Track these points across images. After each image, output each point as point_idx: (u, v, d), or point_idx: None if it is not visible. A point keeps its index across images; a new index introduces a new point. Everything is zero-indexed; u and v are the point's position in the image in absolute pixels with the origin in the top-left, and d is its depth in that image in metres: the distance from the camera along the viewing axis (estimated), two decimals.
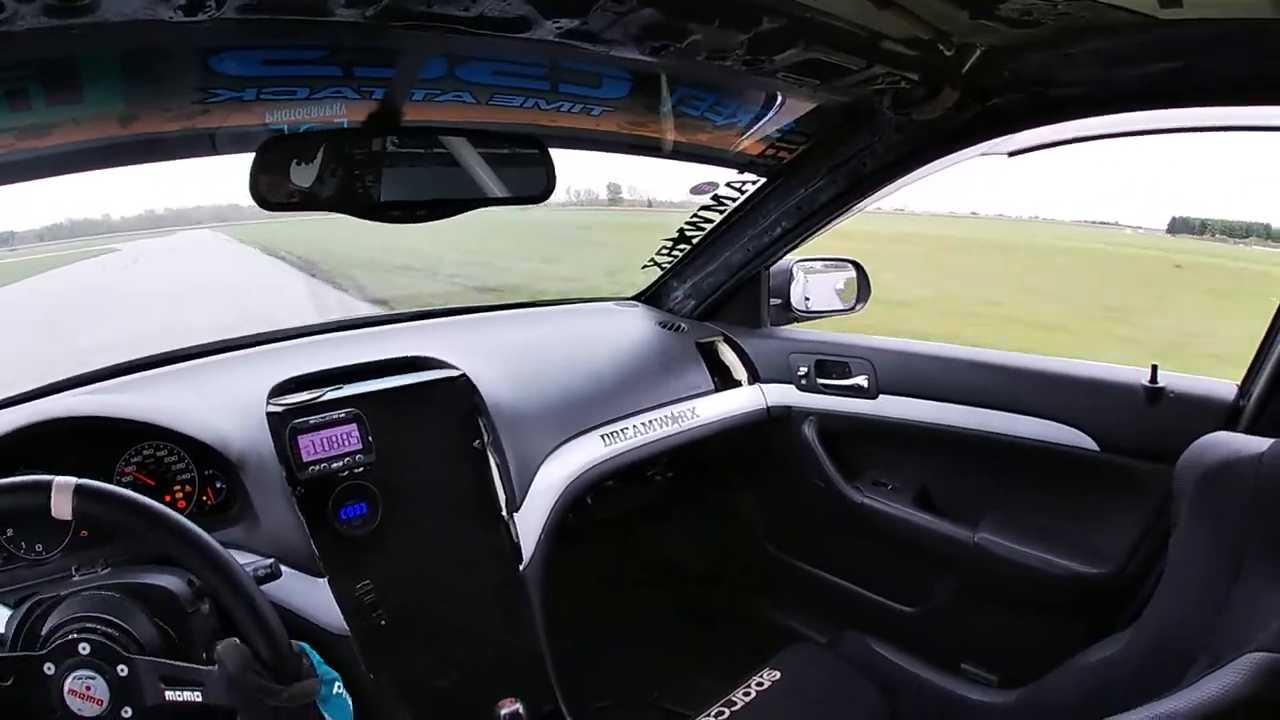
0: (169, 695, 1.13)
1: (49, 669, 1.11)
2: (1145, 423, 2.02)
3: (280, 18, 1.22)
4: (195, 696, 1.13)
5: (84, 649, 1.12)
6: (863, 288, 2.90)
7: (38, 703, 1.10)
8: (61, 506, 1.11)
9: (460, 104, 1.80)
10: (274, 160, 1.48)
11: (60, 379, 1.97)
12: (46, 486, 1.12)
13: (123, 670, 1.12)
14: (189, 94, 1.59)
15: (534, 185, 1.72)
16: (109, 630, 1.16)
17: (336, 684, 1.33)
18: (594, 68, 1.82)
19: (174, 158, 1.79)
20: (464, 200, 1.61)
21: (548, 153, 1.71)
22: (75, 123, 1.59)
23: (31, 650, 1.14)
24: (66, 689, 1.10)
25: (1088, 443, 2.12)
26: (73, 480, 1.12)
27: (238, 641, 1.15)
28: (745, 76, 1.72)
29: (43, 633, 1.17)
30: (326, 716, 1.23)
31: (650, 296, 2.99)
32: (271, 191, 1.47)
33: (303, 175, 1.49)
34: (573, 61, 1.76)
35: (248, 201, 1.47)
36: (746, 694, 2.17)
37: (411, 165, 1.61)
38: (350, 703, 1.35)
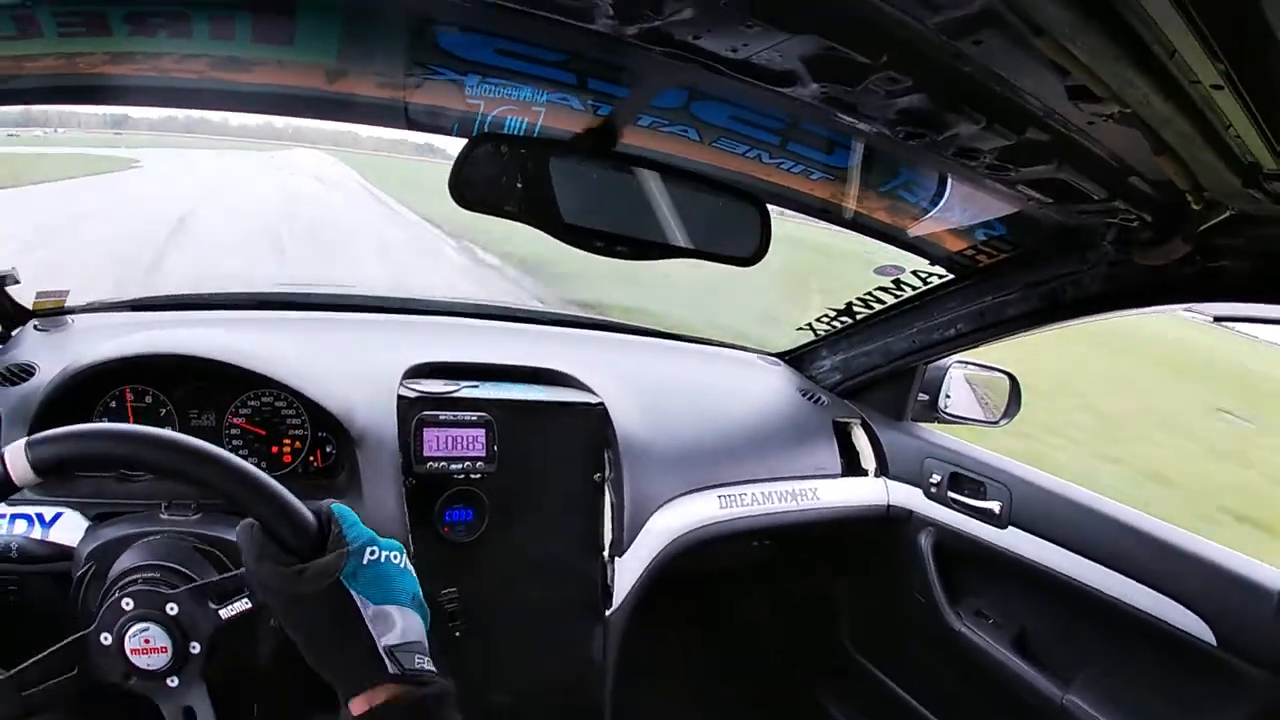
0: (224, 614, 1.09)
1: (105, 639, 1.07)
2: (1274, 631, 1.86)
3: (535, 11, 1.16)
4: (245, 604, 1.09)
5: (127, 604, 1.09)
6: (1013, 402, 2.77)
7: (114, 675, 1.07)
8: (21, 471, 1.01)
9: (683, 139, 1.72)
10: (481, 158, 1.40)
11: (197, 293, 1.97)
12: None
13: (172, 609, 1.09)
14: (406, 65, 1.54)
15: (746, 247, 1.61)
16: (153, 575, 1.17)
17: (377, 548, 1.10)
18: (832, 134, 1.73)
19: (363, 122, 1.75)
20: (669, 246, 1.51)
21: (768, 216, 1.61)
22: (279, 65, 1.54)
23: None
24: (129, 650, 1.07)
25: (1206, 634, 1.96)
26: (19, 443, 1.03)
27: (253, 522, 1.07)
28: (979, 178, 1.63)
29: (108, 575, 1.19)
30: (355, 595, 1.04)
31: (795, 358, 2.91)
32: (473, 190, 1.40)
33: (507, 180, 1.42)
34: (813, 124, 1.68)
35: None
36: None
37: (620, 196, 1.52)
38: (399, 569, 1.13)
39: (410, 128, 1.70)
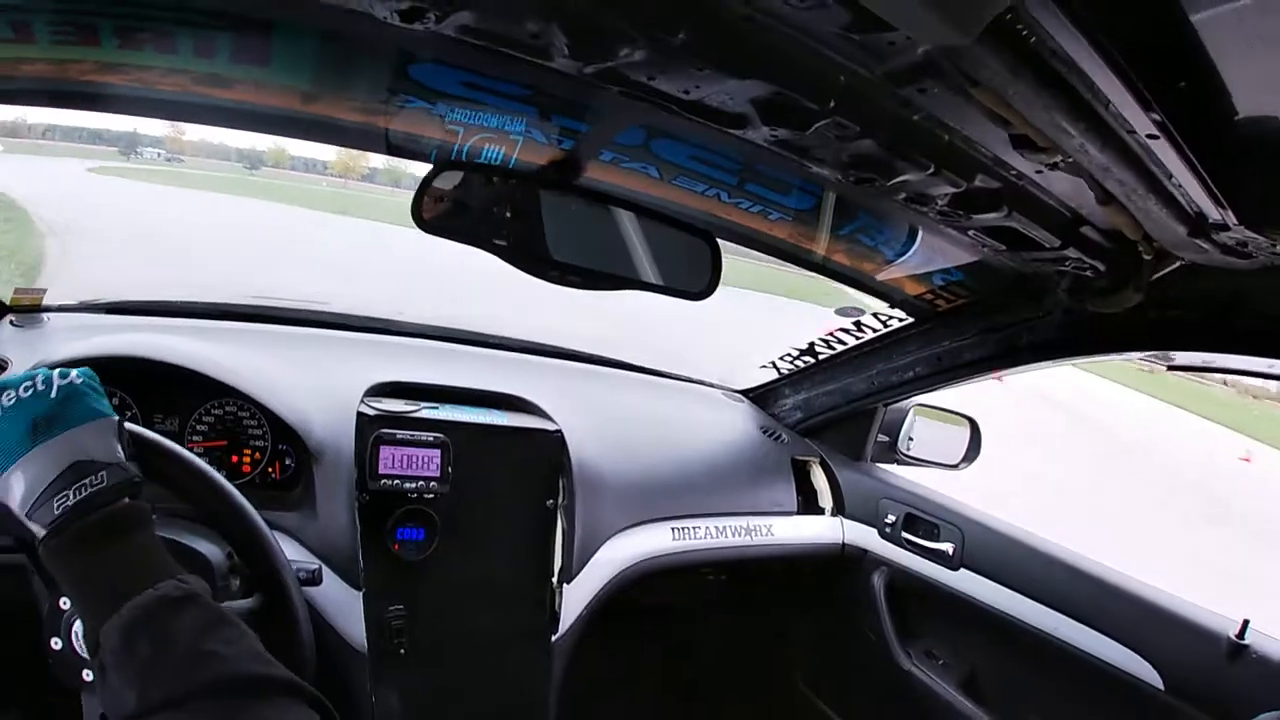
0: None
1: (56, 644, 1.08)
2: (1221, 677, 1.88)
3: (497, 48, 1.18)
4: None
5: (64, 604, 1.08)
6: (972, 447, 2.79)
7: (73, 679, 1.09)
8: None
9: (644, 175, 1.75)
10: (444, 184, 1.45)
11: (171, 300, 1.99)
12: None
13: None
14: (378, 91, 1.57)
15: (697, 282, 1.67)
16: None
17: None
18: (789, 176, 1.77)
19: (344, 145, 1.79)
20: (621, 278, 1.56)
21: (719, 254, 1.66)
22: (256, 85, 1.57)
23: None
24: (80, 651, 1.06)
25: (1155, 679, 1.98)
26: None
27: None
28: (935, 225, 1.67)
29: None
30: None
31: (759, 395, 2.93)
32: (434, 214, 1.44)
33: (469, 206, 1.47)
34: (769, 166, 1.71)
35: None
36: None
37: (578, 227, 1.56)
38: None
39: (390, 153, 1.73)
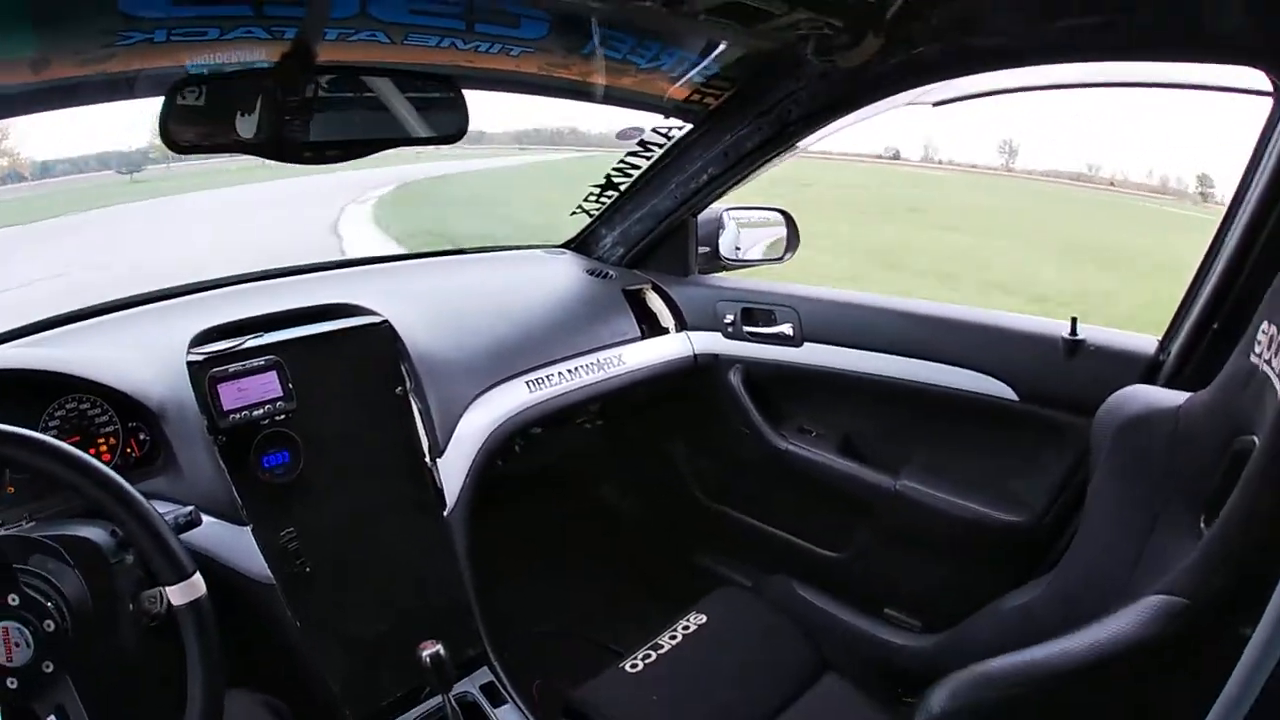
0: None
1: None
2: (1065, 374, 2.05)
3: None
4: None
5: (13, 600, 1.10)
6: (792, 237, 2.91)
7: None
8: None
9: (375, 44, 1.75)
10: (184, 102, 1.44)
11: None
12: None
13: (13, 600, 1.10)
14: (98, 37, 1.54)
15: (448, 125, 1.71)
16: (36, 583, 1.14)
17: None
18: (512, 6, 1.78)
19: (95, 102, 1.74)
20: (374, 140, 1.58)
21: (461, 94, 1.69)
22: None
23: None
24: None
25: (1008, 393, 2.15)
26: None
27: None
28: (667, 18, 1.70)
29: None
30: None
31: (579, 244, 2.98)
32: (180, 133, 1.43)
33: (214, 119, 1.46)
34: (489, 1, 1.72)
35: None
36: (673, 637, 2.20)
37: (324, 108, 1.57)
38: None
39: (136, 95, 1.69)
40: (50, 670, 1.10)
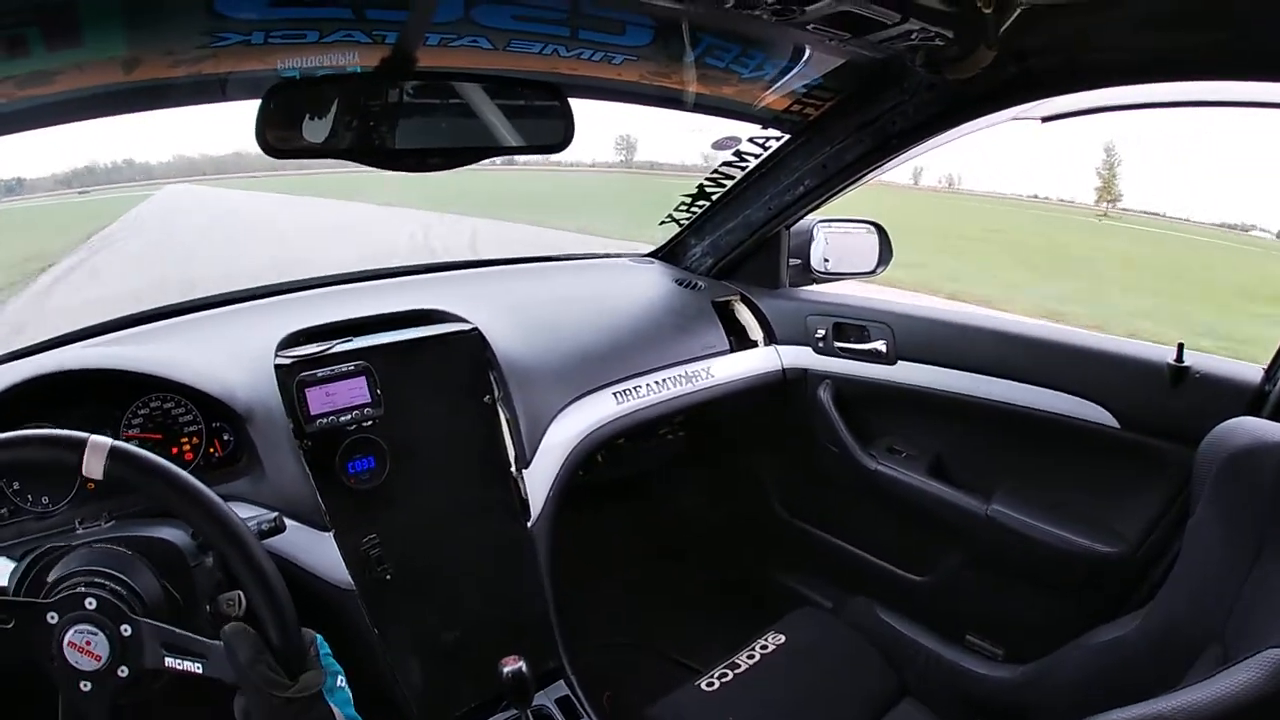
0: (169, 662, 1.11)
1: (52, 618, 1.08)
2: (1168, 402, 1.97)
3: None
4: (195, 668, 1.11)
5: (90, 604, 1.09)
6: (884, 251, 2.85)
7: (38, 648, 1.08)
8: (94, 466, 1.07)
9: (477, 49, 1.75)
10: (282, 107, 1.43)
11: (68, 331, 1.96)
12: (81, 444, 1.08)
13: (126, 630, 1.10)
14: (193, 38, 1.55)
15: (552, 135, 1.68)
16: (115, 587, 1.14)
17: (340, 677, 1.25)
18: (617, 14, 1.76)
19: (182, 104, 1.76)
20: (479, 148, 1.57)
21: (567, 102, 1.66)
22: (78, 69, 1.55)
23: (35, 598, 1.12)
24: (67, 641, 1.08)
25: (1108, 419, 2.08)
26: (108, 441, 1.08)
27: (246, 628, 1.11)
28: (773, 27, 1.67)
29: (48, 581, 1.15)
30: (334, 707, 1.17)
31: (667, 254, 2.96)
32: (280, 139, 1.43)
33: (313, 123, 1.45)
34: (595, 7, 1.71)
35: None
36: (751, 656, 2.19)
37: (426, 114, 1.56)
38: (350, 695, 1.27)
39: (227, 97, 1.72)
40: (125, 675, 1.10)
